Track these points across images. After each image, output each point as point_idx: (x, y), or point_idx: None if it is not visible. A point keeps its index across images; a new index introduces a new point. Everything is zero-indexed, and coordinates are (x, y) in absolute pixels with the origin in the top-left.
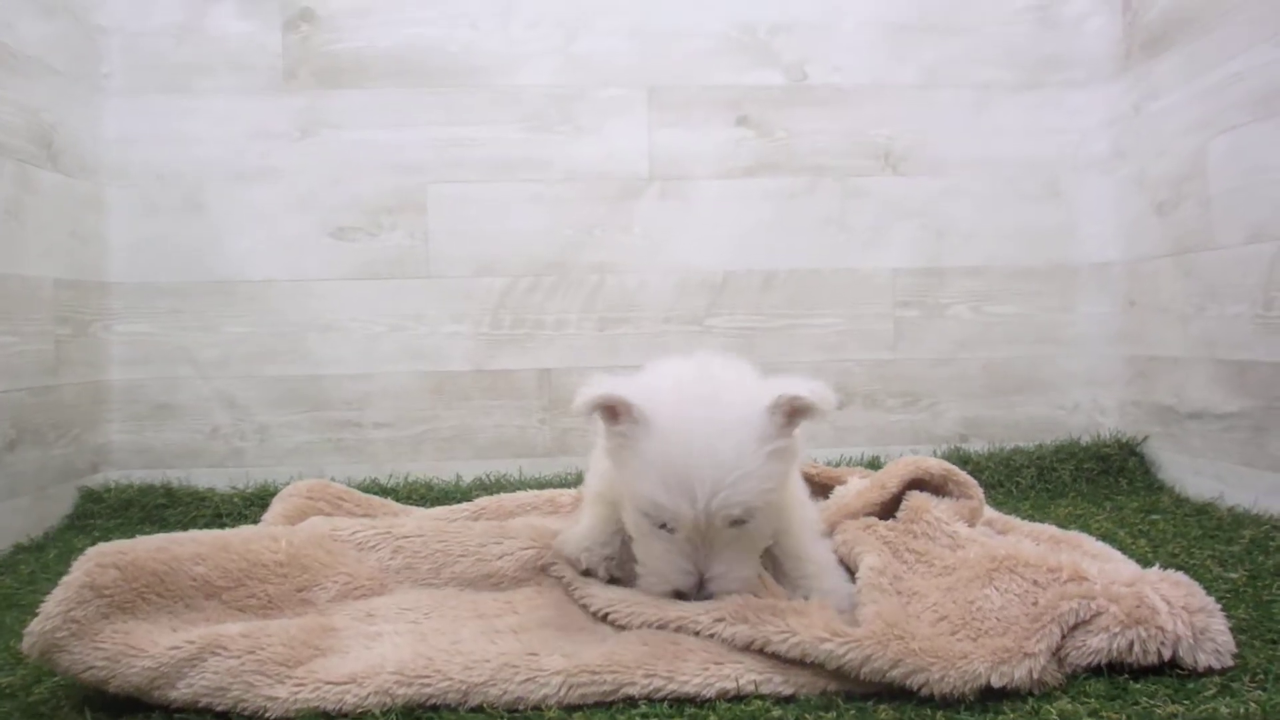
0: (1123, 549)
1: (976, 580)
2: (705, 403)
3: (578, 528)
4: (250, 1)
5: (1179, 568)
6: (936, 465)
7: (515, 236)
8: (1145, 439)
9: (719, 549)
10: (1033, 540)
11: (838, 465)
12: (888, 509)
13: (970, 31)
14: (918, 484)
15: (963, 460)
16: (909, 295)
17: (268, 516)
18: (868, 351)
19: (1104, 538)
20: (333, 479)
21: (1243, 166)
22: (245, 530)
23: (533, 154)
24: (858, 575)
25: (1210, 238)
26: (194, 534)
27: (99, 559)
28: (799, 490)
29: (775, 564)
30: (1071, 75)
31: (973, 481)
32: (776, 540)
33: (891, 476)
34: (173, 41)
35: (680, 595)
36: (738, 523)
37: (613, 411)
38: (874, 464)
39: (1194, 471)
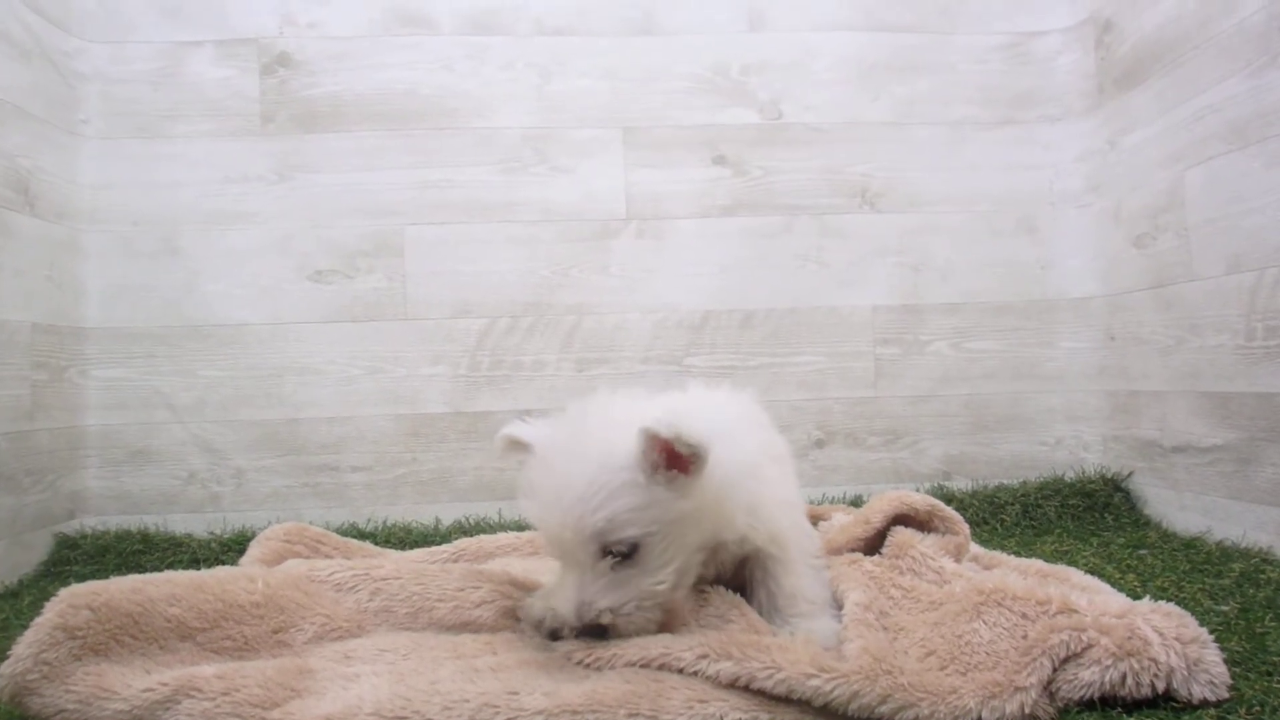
0: (1111, 584)
1: (964, 614)
2: (579, 431)
3: (547, 582)
4: (228, 47)
5: (1169, 601)
6: (921, 500)
7: (493, 278)
8: (1130, 474)
9: (594, 579)
10: (1020, 574)
11: (820, 504)
12: (872, 544)
13: (943, 69)
14: (902, 519)
15: (946, 498)
16: (888, 332)
17: (245, 560)
18: (848, 390)
19: (1092, 574)
20: (310, 523)
21: (1219, 197)
22: (221, 571)
23: (509, 195)
24: (843, 611)
25: (1190, 269)
26: (169, 575)
27: (71, 600)
28: (800, 521)
29: (769, 597)
30: (1045, 111)
31: (958, 516)
32: (773, 574)
33: (876, 512)
34: (151, 88)
35: (569, 634)
36: (613, 553)
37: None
38: (856, 503)
39: (1180, 506)
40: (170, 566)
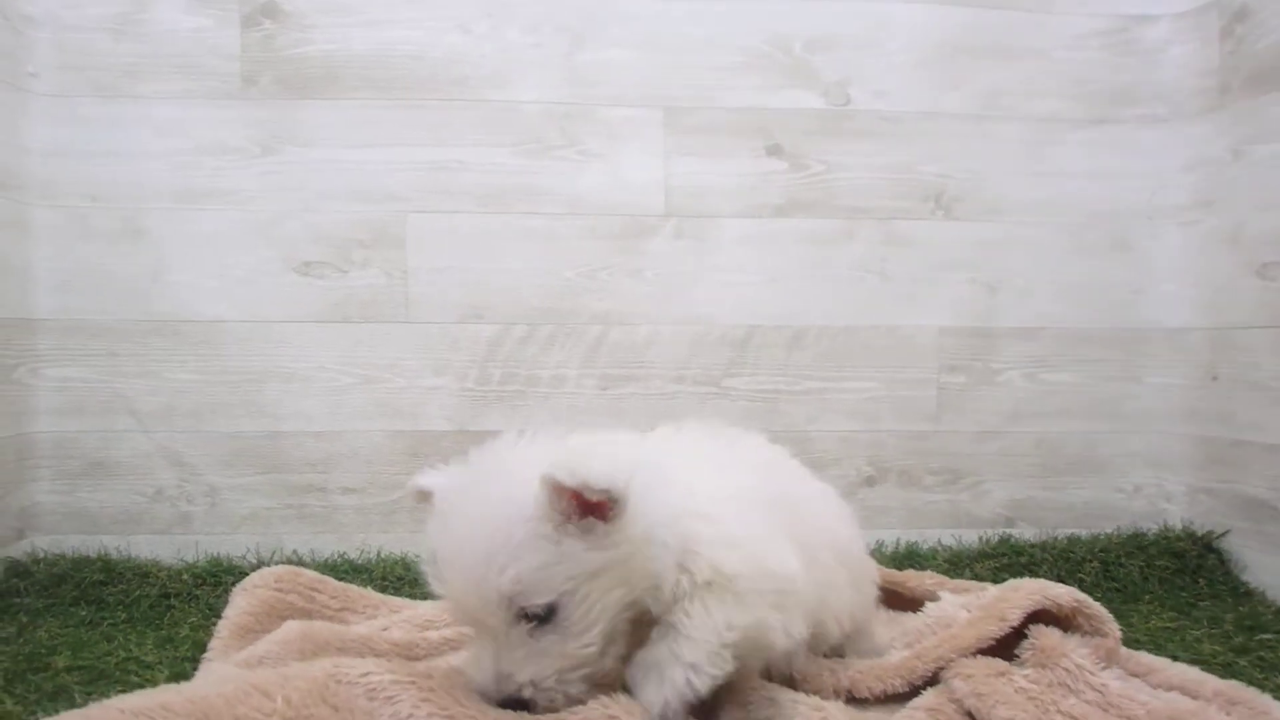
0: (1257, 686)
1: None
2: (480, 479)
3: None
4: None
5: None
6: (1065, 594)
7: (508, 277)
8: (1225, 533)
9: (512, 648)
10: (1199, 700)
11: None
12: (1006, 644)
13: (1033, 56)
14: (1041, 615)
15: (1015, 551)
16: (956, 359)
17: (230, 613)
18: (906, 422)
19: (1226, 669)
20: (295, 552)
21: None
22: (228, 686)
23: (530, 181)
24: None
25: None
26: (163, 699)
27: None
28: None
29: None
30: (1150, 110)
31: (1107, 614)
32: (696, 601)
33: (1012, 606)
34: (111, 37)
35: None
36: (529, 617)
37: None
38: (911, 550)
39: None
40: (136, 601)
